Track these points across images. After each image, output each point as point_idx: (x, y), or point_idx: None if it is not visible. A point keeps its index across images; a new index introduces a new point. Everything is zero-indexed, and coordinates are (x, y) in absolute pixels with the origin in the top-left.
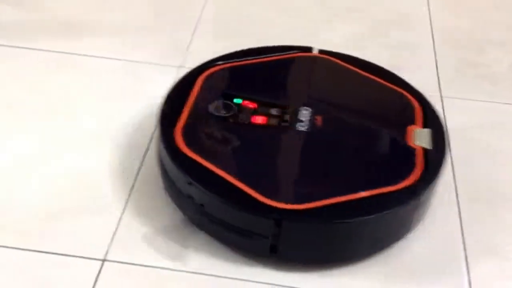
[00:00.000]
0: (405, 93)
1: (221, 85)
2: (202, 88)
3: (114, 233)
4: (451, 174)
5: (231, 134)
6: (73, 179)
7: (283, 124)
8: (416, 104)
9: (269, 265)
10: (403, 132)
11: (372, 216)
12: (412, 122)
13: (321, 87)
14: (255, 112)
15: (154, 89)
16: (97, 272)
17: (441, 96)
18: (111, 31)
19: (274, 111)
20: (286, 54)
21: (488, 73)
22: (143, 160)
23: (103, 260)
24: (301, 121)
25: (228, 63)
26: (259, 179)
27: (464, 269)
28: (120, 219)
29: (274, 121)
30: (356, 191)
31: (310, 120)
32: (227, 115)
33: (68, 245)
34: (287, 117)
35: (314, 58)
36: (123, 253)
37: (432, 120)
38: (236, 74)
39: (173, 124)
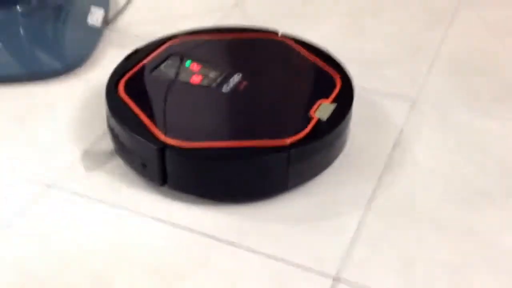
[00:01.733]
0: (334, 74)
1: (180, 51)
2: (161, 52)
3: None
4: None
5: (165, 87)
6: None
7: (212, 85)
8: (339, 84)
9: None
10: (311, 104)
11: (238, 161)
12: (326, 97)
13: (265, 62)
14: (196, 73)
15: None
16: None
17: None
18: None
19: (212, 74)
20: (251, 34)
21: None
22: None
23: None
24: (228, 84)
25: (194, 34)
26: (164, 120)
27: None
28: None
29: (207, 82)
30: (239, 140)
31: (235, 85)
32: (170, 72)
33: None
34: (219, 79)
35: (273, 39)
36: None
37: (344, 99)
38: (197, 44)
39: (122, 75)
